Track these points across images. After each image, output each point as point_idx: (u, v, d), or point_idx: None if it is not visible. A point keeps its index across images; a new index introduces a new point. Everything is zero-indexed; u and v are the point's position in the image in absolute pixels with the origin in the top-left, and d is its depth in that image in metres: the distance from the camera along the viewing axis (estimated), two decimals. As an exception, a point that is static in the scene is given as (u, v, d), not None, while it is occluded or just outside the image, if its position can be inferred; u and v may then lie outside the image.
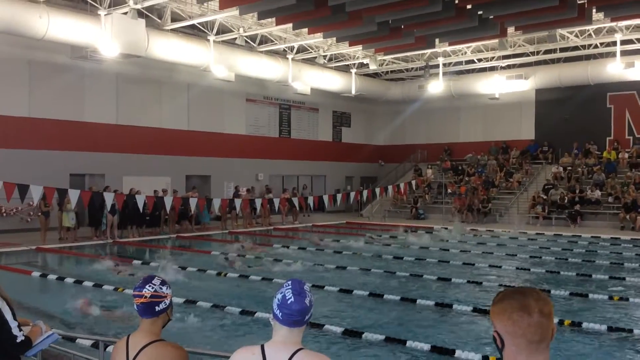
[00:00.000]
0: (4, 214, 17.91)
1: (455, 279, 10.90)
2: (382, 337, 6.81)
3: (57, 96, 19.77)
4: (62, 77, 19.75)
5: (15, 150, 18.58)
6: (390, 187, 23.82)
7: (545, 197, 24.06)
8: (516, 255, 14.46)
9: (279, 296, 2.35)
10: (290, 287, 2.36)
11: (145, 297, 2.66)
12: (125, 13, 17.43)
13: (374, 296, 9.27)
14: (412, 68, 28.26)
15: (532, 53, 24.66)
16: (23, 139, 18.85)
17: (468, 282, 10.67)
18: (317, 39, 21.40)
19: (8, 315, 3.24)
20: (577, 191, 23.56)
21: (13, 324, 3.26)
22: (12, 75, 18.83)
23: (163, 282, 2.74)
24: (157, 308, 2.68)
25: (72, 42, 17.95)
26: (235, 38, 21.20)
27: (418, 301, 8.83)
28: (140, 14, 17.98)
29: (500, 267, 12.50)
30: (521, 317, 1.84)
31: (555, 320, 7.44)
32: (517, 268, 12.26)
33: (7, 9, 15.93)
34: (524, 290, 1.93)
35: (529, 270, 12.03)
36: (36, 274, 11.24)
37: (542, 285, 10.42)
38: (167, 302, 2.73)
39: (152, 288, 2.68)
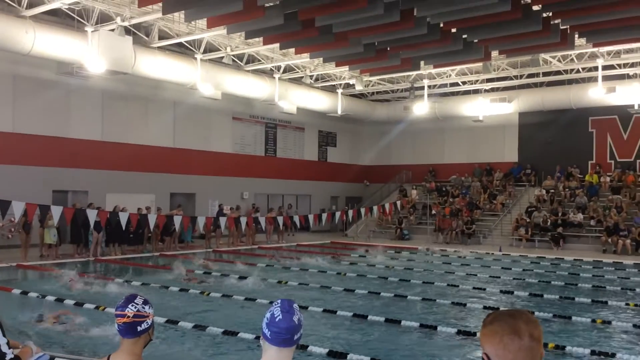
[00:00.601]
0: (-16, 231, 17.60)
1: (440, 299, 10.90)
2: (368, 358, 6.76)
3: (42, 112, 19.65)
4: (48, 92, 19.64)
5: (-2, 165, 18.37)
6: (375, 208, 23.87)
7: (528, 219, 24.24)
8: (500, 277, 14.51)
9: (268, 315, 2.32)
10: (279, 305, 2.33)
11: (128, 316, 2.62)
12: (113, 30, 17.42)
13: (358, 317, 9.24)
14: (398, 89, 28.53)
15: (516, 77, 25.04)
16: (6, 154, 18.65)
17: (452, 303, 10.67)
18: (304, 59, 21.54)
19: None
20: (560, 214, 23.77)
21: (2, 341, 3.20)
22: (-3, 90, 18.69)
23: (145, 302, 2.70)
24: (139, 328, 2.64)
25: (58, 57, 17.90)
26: (223, 57, 21.27)
27: (402, 322, 8.81)
28: (127, 31, 18.00)
29: (484, 289, 12.52)
30: (512, 341, 1.82)
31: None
32: (501, 291, 12.28)
33: (-7, 23, 15.87)
34: (515, 312, 1.92)
35: (513, 293, 12.05)
36: (17, 291, 11.04)
37: (526, 307, 10.45)
38: (149, 322, 2.69)
39: (135, 307, 2.64)
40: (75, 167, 20.38)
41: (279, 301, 2.36)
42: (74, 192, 20.78)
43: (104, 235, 17.33)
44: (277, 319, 2.28)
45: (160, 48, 20.13)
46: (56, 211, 14.26)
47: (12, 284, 12.17)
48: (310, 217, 20.52)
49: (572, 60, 22.64)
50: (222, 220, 18.25)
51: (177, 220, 16.87)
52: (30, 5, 16.58)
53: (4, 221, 16.60)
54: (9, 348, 3.24)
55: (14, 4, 16.47)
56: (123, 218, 15.51)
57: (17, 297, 10.67)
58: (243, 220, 18.84)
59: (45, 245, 16.59)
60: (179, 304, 10.37)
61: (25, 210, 13.73)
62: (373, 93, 30.17)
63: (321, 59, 19.85)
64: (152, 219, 16.31)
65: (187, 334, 8.16)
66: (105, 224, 16.39)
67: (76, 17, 17.52)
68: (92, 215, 15.22)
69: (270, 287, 12.52)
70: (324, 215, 21.43)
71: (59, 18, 18.10)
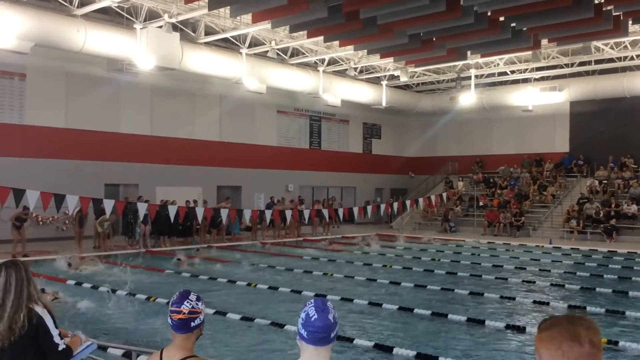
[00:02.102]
0: (40, 223, 18.31)
1: (488, 293, 10.74)
2: (414, 352, 6.74)
3: (93, 108, 20.25)
4: (99, 89, 20.23)
5: (53, 160, 19.05)
6: (420, 200, 23.63)
7: (580, 211, 23.58)
8: (550, 270, 14.19)
9: (303, 315, 2.34)
10: (312, 304, 2.35)
11: (184, 313, 2.69)
12: (160, 27, 17.79)
13: (404, 310, 9.20)
14: (444, 80, 28.12)
15: (567, 65, 24.32)
16: (60, 149, 19.33)
17: (501, 297, 10.50)
18: (348, 51, 21.47)
19: (50, 324, 3.31)
20: (613, 205, 23.03)
21: (54, 332, 3.33)
22: (50, 87, 19.36)
23: (198, 298, 2.77)
24: (192, 324, 2.71)
25: (108, 55, 18.38)
26: (267, 51, 21.43)
27: (449, 316, 8.72)
28: (174, 27, 18.33)
29: (534, 282, 12.27)
30: (571, 348, 1.74)
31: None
32: (551, 284, 12.02)
33: (46, 22, 16.41)
34: (574, 318, 1.84)
35: (564, 286, 11.78)
36: (71, 282, 11.45)
37: (577, 301, 10.19)
38: (202, 317, 2.76)
39: (190, 304, 2.71)
40: (126, 161, 20.95)
41: (312, 301, 2.38)
42: (125, 186, 21.37)
43: (150, 227, 17.74)
44: (312, 319, 2.31)
45: (206, 43, 20.42)
46: (108, 204, 14.67)
47: (67, 274, 12.60)
48: (355, 210, 20.47)
49: (625, 47, 21.83)
50: (268, 213, 18.42)
51: (224, 213, 17.11)
52: (81, 4, 17.06)
53: (59, 214, 17.25)
54: (61, 339, 3.37)
55: (65, 3, 16.97)
56: (172, 211, 15.84)
57: (71, 287, 11.05)
58: (288, 213, 18.95)
59: (99, 236, 17.11)
60: (226, 296, 10.55)
61: (79, 203, 14.15)
62: (418, 84, 29.83)
63: (365, 51, 19.75)
64: (199, 212, 16.60)
65: (235, 325, 8.29)
66: (155, 216, 16.78)
67: (125, 14, 17.94)
68: (142, 209, 15.60)
69: (316, 279, 12.59)
70: (369, 208, 21.35)
71: (108, 16, 18.56)
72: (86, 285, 11.02)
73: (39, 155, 18.79)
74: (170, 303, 2.74)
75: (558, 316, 1.88)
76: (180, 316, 2.68)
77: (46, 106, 19.24)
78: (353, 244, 20.24)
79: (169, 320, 2.72)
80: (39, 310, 3.28)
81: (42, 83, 19.13)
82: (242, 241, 20.22)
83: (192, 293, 2.77)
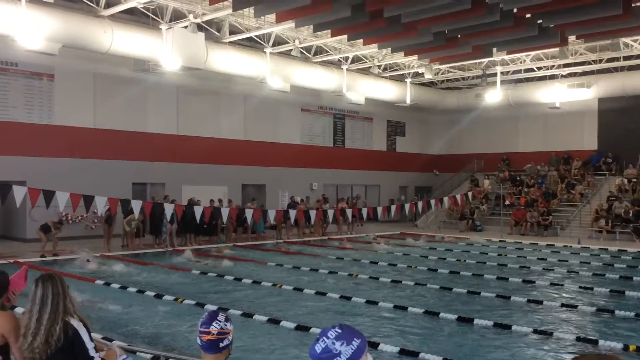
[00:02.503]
0: (70, 222, 18.62)
1: (515, 296, 10.62)
2: (440, 358, 6.69)
3: (121, 108, 20.51)
4: (125, 89, 20.48)
5: (81, 159, 19.37)
6: (446, 199, 23.44)
7: (608, 210, 23.16)
8: (578, 272, 13.97)
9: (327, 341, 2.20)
10: (339, 330, 2.20)
11: (212, 334, 2.71)
12: (186, 27, 17.91)
13: (430, 314, 9.14)
14: (469, 77, 27.83)
15: (595, 61, 23.86)
16: (88, 149, 19.62)
17: (528, 300, 10.37)
18: (372, 49, 21.37)
19: (85, 336, 3.36)
20: (644, 204, 22.58)
21: (90, 345, 3.37)
22: (79, 87, 19.66)
23: (227, 319, 2.79)
24: (221, 344, 2.73)
25: (135, 55, 18.57)
26: (291, 49, 21.44)
27: (476, 320, 8.64)
28: (199, 27, 18.45)
29: (562, 285, 12.10)
30: None
31: (620, 345, 7.21)
32: (580, 287, 11.83)
33: (74, 24, 16.64)
34: (604, 357, 1.80)
35: (592, 289, 11.59)
36: (100, 282, 11.63)
37: (606, 305, 10.02)
38: (230, 338, 2.78)
39: (218, 325, 2.73)
40: (152, 160, 21.19)
41: (337, 327, 2.20)
42: (152, 185, 21.63)
43: (176, 226, 17.94)
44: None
45: (230, 43, 20.51)
46: (136, 205, 14.86)
47: (96, 274, 12.80)
48: (379, 209, 20.41)
49: (656, 42, 21.32)
50: (292, 213, 18.47)
51: (249, 213, 17.21)
52: (107, 5, 17.25)
53: (88, 213, 17.54)
54: (96, 352, 3.42)
55: (92, 5, 17.19)
56: (198, 211, 15.98)
57: (100, 287, 11.23)
58: (313, 212, 18.99)
59: (127, 235, 17.34)
60: (250, 296, 10.61)
61: (108, 203, 14.35)
62: (443, 81, 29.57)
63: (389, 48, 19.64)
64: (224, 212, 16.73)
65: (261, 327, 8.33)
66: (182, 216, 16.96)
67: (151, 15, 18.10)
68: (169, 208, 15.78)
69: (341, 279, 12.59)
70: (393, 207, 21.27)
71: (134, 16, 18.75)
72: (114, 285, 11.17)
73: (68, 155, 19.11)
74: (199, 323, 2.77)
75: (589, 353, 1.84)
76: (209, 337, 2.70)
77: (74, 106, 19.55)
78: (365, 242, 20.29)
79: (198, 341, 2.75)
80: (75, 323, 3.33)
81: (70, 84, 19.44)
82: (267, 240, 20.32)
83: (220, 313, 2.79)
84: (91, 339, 3.40)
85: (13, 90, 18.36)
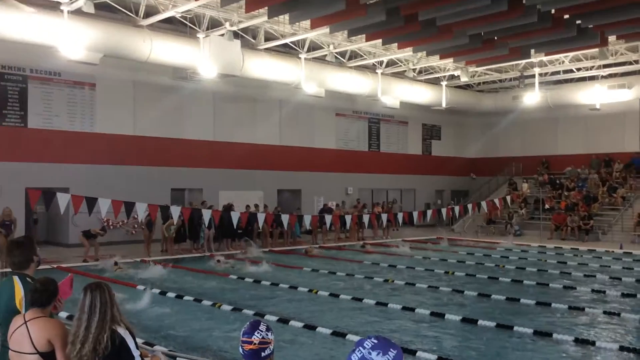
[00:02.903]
0: (111, 227, 19.07)
1: (555, 303, 10.42)
2: (478, 366, 6.64)
3: (160, 115, 20.92)
4: (164, 96, 20.88)
5: (122, 166, 19.82)
6: (483, 203, 23.15)
7: (653, 214, 22.52)
8: (621, 278, 13.62)
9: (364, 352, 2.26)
10: (375, 341, 2.28)
11: (254, 343, 2.76)
12: (222, 35, 18.17)
13: (467, 321, 9.04)
14: (506, 79, 27.45)
15: (636, 61, 23.25)
16: (128, 155, 20.07)
17: (569, 307, 10.17)
18: (406, 52, 21.30)
19: (131, 344, 3.46)
20: (690, 208, 21.88)
21: (136, 353, 3.47)
22: (119, 95, 20.14)
23: (268, 328, 2.84)
24: (262, 354, 2.77)
25: (173, 63, 18.95)
26: (326, 55, 21.52)
27: (515, 328, 8.52)
28: (235, 35, 18.68)
29: (604, 292, 11.82)
30: None
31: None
32: (623, 294, 11.54)
33: (115, 34, 17.07)
34: None
35: (635, 296, 11.29)
36: (141, 287, 11.86)
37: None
38: (272, 347, 2.82)
39: (260, 335, 2.78)
40: (190, 166, 21.53)
41: (373, 338, 2.26)
42: (190, 190, 21.99)
43: (214, 231, 18.19)
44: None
45: (266, 49, 20.72)
46: (175, 211, 15.13)
47: (135, 280, 13.06)
48: (415, 214, 20.29)
49: (702, 40, 20.65)
50: (328, 218, 18.53)
51: (285, 218, 17.34)
52: (146, 15, 17.63)
53: (129, 219, 17.93)
54: (141, 359, 3.51)
55: (132, 15, 17.60)
56: (234, 216, 16.17)
57: (140, 292, 11.45)
58: (348, 217, 19.01)
59: (167, 239, 17.66)
60: (288, 304, 10.68)
61: (148, 209, 14.64)
62: (479, 83, 29.24)
63: (424, 52, 19.54)
64: (261, 217, 16.89)
65: (297, 333, 8.38)
66: (219, 221, 17.17)
67: (188, 24, 18.43)
68: (206, 214, 16.01)
69: (376, 285, 12.56)
70: (429, 212, 21.11)
71: (173, 25, 19.12)
72: (155, 290, 11.37)
73: (109, 162, 19.59)
74: (241, 333, 2.82)
75: None
76: (252, 347, 2.75)
77: (115, 114, 20.03)
78: (387, 244, 20.23)
79: (240, 350, 2.80)
80: (122, 331, 3.43)
81: (111, 92, 19.92)
82: (303, 245, 20.40)
83: (262, 323, 2.84)
84: (137, 347, 3.49)
85: (56, 100, 18.91)
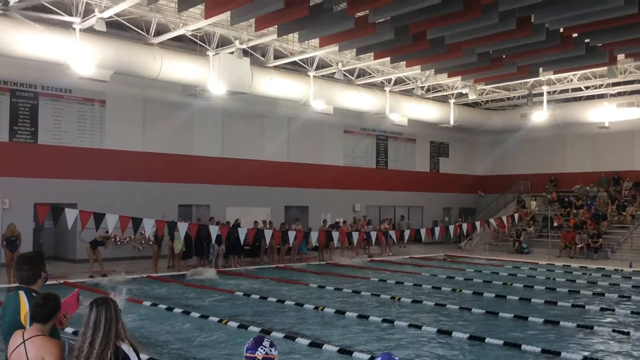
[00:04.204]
0: (118, 243, 19.13)
1: (564, 322, 10.33)
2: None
3: (169, 132, 21.06)
4: (173, 114, 21.05)
5: (130, 182, 19.92)
6: (492, 220, 23.04)
7: (663, 232, 22.34)
8: (630, 297, 13.49)
9: None
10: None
11: (258, 359, 2.77)
12: (232, 52, 18.35)
13: (475, 339, 8.97)
14: (514, 97, 27.47)
15: (645, 79, 23.23)
16: (137, 172, 20.18)
17: (578, 326, 10.07)
18: (414, 70, 21.41)
19: None
20: (701, 227, 21.67)
21: None
22: (129, 112, 20.31)
23: (272, 344, 2.85)
24: (266, 369, 2.79)
25: (182, 81, 19.12)
26: (334, 72, 21.66)
27: (523, 346, 8.44)
28: (245, 52, 18.85)
29: (613, 310, 11.71)
30: None
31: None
32: (632, 312, 11.42)
33: (125, 52, 17.28)
34: None
35: (646, 315, 11.18)
36: (147, 302, 11.87)
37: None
38: None
39: (264, 350, 2.80)
40: (198, 182, 21.61)
41: (380, 356, 2.39)
42: (197, 206, 22.04)
43: (224, 247, 18.22)
44: None
45: (275, 67, 20.88)
46: (182, 227, 15.17)
47: (142, 296, 13.07)
48: (423, 231, 20.23)
49: None
50: (335, 235, 18.52)
51: (292, 234, 17.34)
52: (157, 33, 17.85)
53: (136, 235, 17.98)
54: None
55: (142, 33, 17.81)
56: (242, 233, 16.19)
57: (146, 308, 11.46)
58: (355, 234, 18.98)
59: (175, 256, 17.67)
60: (293, 319, 10.64)
61: (155, 225, 14.71)
62: (487, 101, 29.27)
63: (432, 70, 19.62)
64: (268, 234, 16.90)
65: (304, 350, 8.35)
66: (226, 237, 17.19)
67: (198, 42, 18.64)
68: (214, 230, 16.04)
69: (382, 303, 12.50)
70: (437, 229, 21.04)
71: (183, 43, 19.33)
72: (161, 306, 11.38)
73: (117, 178, 19.69)
74: (245, 348, 2.83)
75: None
76: None
77: (124, 131, 20.18)
78: (406, 263, 20.04)
79: (244, 365, 2.82)
80: (125, 348, 3.43)
81: (121, 109, 20.10)
82: (310, 261, 20.37)
83: (265, 339, 2.85)
84: (139, 361, 3.49)
85: (66, 116, 19.09)
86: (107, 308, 3.46)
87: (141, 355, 3.64)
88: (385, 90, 24.31)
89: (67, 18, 15.73)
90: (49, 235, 20.14)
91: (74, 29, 15.89)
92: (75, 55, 15.88)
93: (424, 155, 30.89)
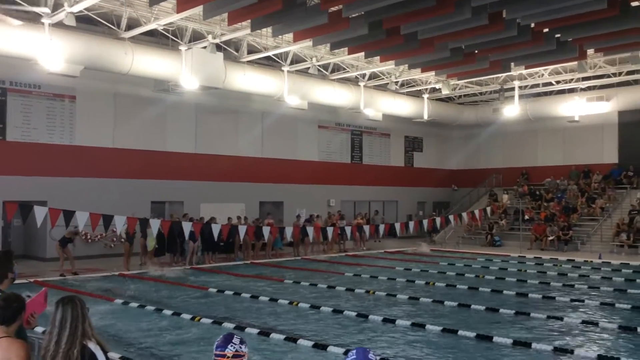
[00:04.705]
0: (89, 241, 18.85)
1: (534, 313, 10.50)
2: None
3: (140, 127, 20.79)
4: (145, 109, 20.77)
5: (101, 179, 19.62)
6: (464, 215, 23.31)
7: (630, 224, 22.83)
8: (599, 287, 13.77)
9: None
10: (354, 356, 2.39)
11: (228, 357, 2.75)
12: (205, 47, 18.16)
13: (448, 332, 9.07)
14: (487, 91, 27.77)
15: (614, 74, 23.67)
16: (108, 168, 19.89)
17: (548, 317, 10.24)
18: (389, 65, 21.46)
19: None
20: (667, 218, 22.21)
21: None
22: (99, 108, 19.99)
23: (242, 341, 2.83)
24: (236, 367, 2.77)
25: (154, 76, 18.87)
26: (309, 67, 21.61)
27: (495, 338, 8.56)
28: (218, 47, 18.69)
29: (582, 301, 11.93)
30: None
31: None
32: (601, 303, 11.66)
33: (96, 46, 17.00)
34: None
35: (614, 305, 11.42)
36: (119, 300, 11.73)
37: (629, 322, 9.84)
38: None
39: (234, 348, 2.77)
40: (171, 178, 21.40)
41: (354, 351, 2.40)
42: (171, 203, 21.82)
43: (199, 244, 18.08)
44: None
45: (249, 62, 20.75)
46: (154, 224, 15.02)
47: (112, 293, 12.91)
48: (397, 226, 20.36)
49: (677, 54, 21.09)
50: (310, 230, 18.52)
51: (266, 230, 17.28)
52: (128, 27, 17.58)
53: (107, 232, 17.75)
54: None
55: (113, 27, 17.54)
56: (215, 229, 16.08)
57: (118, 306, 11.33)
58: (330, 229, 19.01)
59: (147, 253, 17.47)
60: (268, 315, 10.62)
61: (127, 223, 14.53)
62: (460, 96, 29.53)
63: (406, 65, 19.70)
64: (242, 230, 16.82)
65: (278, 345, 8.33)
66: (199, 234, 17.06)
67: (171, 36, 18.41)
68: (187, 227, 15.90)
69: (357, 298, 12.55)
70: (411, 224, 21.19)
71: (154, 38, 19.08)
72: (133, 304, 11.26)
73: (88, 175, 19.38)
74: (214, 346, 2.81)
75: None
76: (225, 359, 2.74)
77: (95, 127, 19.86)
78: (379, 257, 20.18)
79: (214, 364, 2.79)
80: (92, 346, 3.38)
81: (91, 104, 19.77)
82: (285, 257, 20.35)
83: (235, 336, 2.83)
84: (107, 362, 3.45)
85: (35, 112, 18.71)
86: (74, 307, 3.40)
87: (112, 354, 3.60)
88: (359, 85, 24.35)
89: (36, 9, 15.36)
90: (19, 234, 19.72)
91: (42, 24, 15.56)
92: (45, 50, 15.57)
93: (399, 150, 31.06)
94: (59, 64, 16.06)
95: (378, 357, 2.42)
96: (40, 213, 13.01)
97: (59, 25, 15.78)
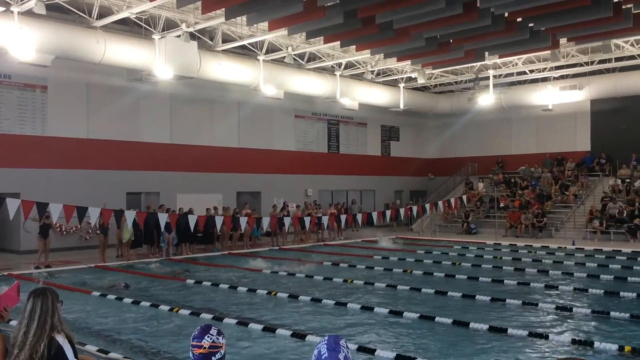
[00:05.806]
0: (64, 233, 18.58)
1: (510, 299, 10.65)
2: (435, 363, 6.72)
3: (114, 118, 20.50)
4: (119, 99, 20.48)
5: (75, 170, 19.33)
6: (440, 203, 23.52)
7: (603, 211, 23.27)
8: (573, 273, 14.02)
9: (315, 352, 2.44)
10: (325, 342, 2.41)
11: (204, 347, 2.73)
12: (178, 36, 17.96)
13: (425, 318, 9.16)
14: (462, 81, 27.96)
15: (586, 63, 24.03)
16: (81, 159, 19.60)
17: (523, 303, 10.40)
18: (364, 55, 21.47)
19: (69, 353, 3.37)
20: (637, 204, 22.68)
21: None
22: (72, 98, 19.64)
23: (219, 332, 2.81)
24: (213, 358, 2.75)
25: (127, 65, 18.61)
26: (284, 57, 21.50)
27: (471, 324, 8.66)
28: (192, 36, 18.49)
29: (556, 287, 12.14)
30: None
31: (615, 346, 7.24)
32: (575, 289, 11.88)
33: (67, 35, 16.69)
34: None
35: (587, 291, 11.63)
36: (96, 293, 11.59)
37: (601, 306, 10.04)
38: (222, 352, 2.80)
39: (210, 339, 2.75)
40: (146, 169, 21.16)
41: (325, 338, 2.42)
42: (147, 194, 21.60)
43: (175, 235, 17.93)
44: (323, 357, 2.37)
45: (224, 51, 20.57)
46: (130, 215, 14.85)
47: (90, 286, 12.76)
48: (374, 214, 20.45)
49: (647, 43, 21.49)
50: (287, 220, 18.50)
51: (243, 221, 17.22)
52: (100, 16, 17.29)
53: (82, 224, 17.51)
54: None
55: (85, 16, 17.22)
56: (192, 220, 15.97)
57: (95, 299, 11.21)
58: (307, 219, 19.02)
59: (122, 245, 17.28)
60: (246, 305, 10.61)
61: (102, 214, 14.34)
62: (436, 85, 29.70)
63: (382, 54, 19.72)
64: (219, 220, 16.73)
65: (257, 335, 8.33)
66: (176, 225, 16.92)
67: (144, 25, 18.14)
68: (162, 218, 15.76)
69: (336, 287, 12.60)
70: (388, 212, 21.30)
71: (127, 27, 18.78)
72: (110, 296, 11.15)
73: (61, 166, 19.08)
74: (191, 337, 2.78)
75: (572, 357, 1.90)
76: (201, 350, 2.72)
77: (68, 117, 19.53)
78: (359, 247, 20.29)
79: (191, 355, 2.77)
80: (60, 340, 3.34)
81: (64, 95, 19.42)
82: (263, 247, 20.32)
83: (212, 327, 2.81)
84: (76, 356, 3.41)
85: (6, 103, 18.32)
86: (44, 299, 3.37)
87: (89, 347, 3.56)
88: (335, 75, 24.33)
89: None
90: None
91: (11, 12, 15.20)
92: (14, 39, 15.24)
93: (375, 139, 31.15)
94: (29, 54, 15.73)
95: (348, 344, 2.44)
96: (12, 205, 12.75)
97: (29, 13, 15.44)
